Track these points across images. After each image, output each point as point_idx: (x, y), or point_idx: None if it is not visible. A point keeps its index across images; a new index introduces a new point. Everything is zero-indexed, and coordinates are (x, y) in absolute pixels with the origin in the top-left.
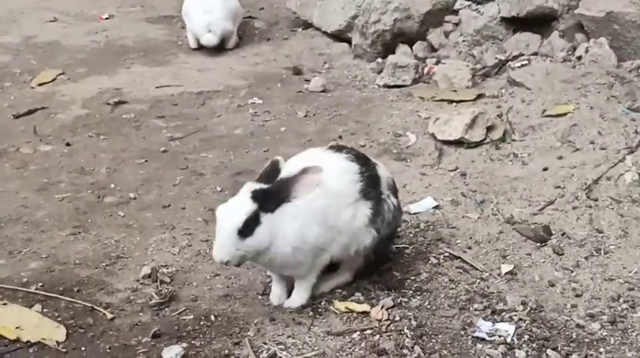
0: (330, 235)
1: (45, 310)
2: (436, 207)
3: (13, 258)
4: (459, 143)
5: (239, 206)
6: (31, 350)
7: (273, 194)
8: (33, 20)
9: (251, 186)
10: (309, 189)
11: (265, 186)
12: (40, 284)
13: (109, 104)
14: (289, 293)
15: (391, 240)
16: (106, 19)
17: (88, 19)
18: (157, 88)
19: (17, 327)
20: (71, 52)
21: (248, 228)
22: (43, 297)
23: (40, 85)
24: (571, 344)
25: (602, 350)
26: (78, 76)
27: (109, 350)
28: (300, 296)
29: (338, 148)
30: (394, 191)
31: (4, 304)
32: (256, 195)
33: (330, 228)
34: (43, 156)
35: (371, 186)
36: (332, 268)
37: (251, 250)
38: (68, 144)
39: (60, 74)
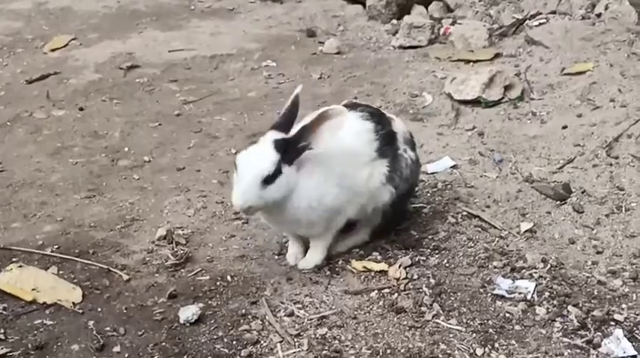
0: (346, 196)
1: (61, 272)
2: (454, 167)
3: (28, 221)
4: (476, 102)
5: (263, 154)
6: (47, 312)
7: (295, 143)
8: None
9: (273, 134)
10: (332, 135)
11: (287, 136)
12: (55, 246)
13: (121, 68)
14: (305, 253)
15: (410, 195)
16: None
17: None
18: (169, 52)
19: (33, 289)
20: (83, 17)
21: (271, 176)
22: (58, 259)
23: (53, 50)
24: (592, 301)
25: (624, 306)
26: (90, 41)
27: (125, 311)
28: (314, 256)
29: (352, 106)
30: (412, 145)
31: (20, 266)
32: (279, 145)
33: (346, 189)
34: (56, 120)
35: (387, 143)
36: (349, 227)
37: (271, 200)
38: (81, 109)
39: (72, 39)
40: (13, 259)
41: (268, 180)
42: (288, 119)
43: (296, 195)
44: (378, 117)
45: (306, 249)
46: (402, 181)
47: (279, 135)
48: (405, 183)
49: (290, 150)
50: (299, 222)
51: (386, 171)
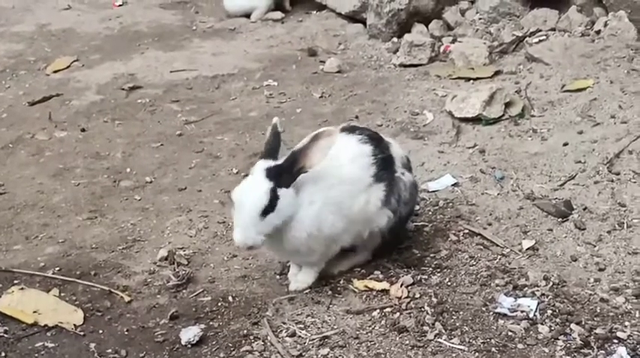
0: (343, 224)
1: (62, 294)
2: (455, 185)
3: (30, 243)
4: (476, 120)
5: (256, 186)
6: (48, 334)
7: (287, 169)
8: (47, 8)
9: (263, 164)
10: (324, 154)
11: (277, 163)
12: (57, 268)
13: (123, 89)
14: None
15: (408, 218)
16: (120, 5)
17: (101, 6)
18: (171, 72)
19: (35, 311)
20: (85, 39)
21: (269, 205)
22: (60, 281)
23: (55, 72)
24: (595, 319)
25: (627, 323)
26: (92, 63)
27: (126, 333)
28: (306, 277)
29: (351, 129)
30: (409, 168)
31: (22, 289)
32: (270, 173)
33: (343, 217)
34: (58, 142)
35: (384, 167)
36: (349, 248)
37: (273, 227)
38: (83, 130)
39: (74, 61)
40: (15, 281)
41: (267, 210)
42: (273, 147)
43: (296, 225)
44: (376, 141)
45: None
46: (400, 204)
47: (271, 163)
48: (405, 206)
49: (284, 175)
50: (299, 251)
51: (382, 195)
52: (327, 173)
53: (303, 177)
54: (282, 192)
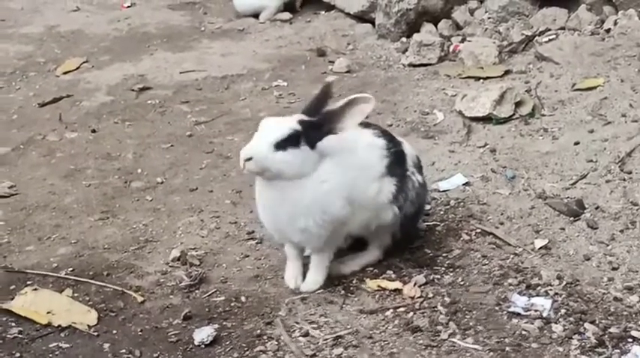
0: (352, 208)
1: (75, 294)
2: (466, 184)
3: (42, 243)
4: (487, 119)
5: (283, 121)
6: (62, 335)
7: (319, 126)
8: (55, 10)
9: (299, 116)
10: (358, 120)
11: (312, 119)
12: (69, 269)
13: (133, 90)
14: (304, 275)
15: (417, 218)
16: (128, 7)
17: (110, 8)
18: (180, 73)
19: (48, 312)
20: (94, 40)
21: (285, 142)
22: (73, 282)
23: (65, 73)
24: (609, 318)
25: None
26: (102, 64)
27: (140, 333)
28: (315, 277)
29: (365, 124)
30: (419, 169)
31: (35, 289)
32: (302, 122)
33: (353, 201)
34: (69, 143)
35: (397, 162)
36: (361, 247)
37: (276, 166)
38: (94, 131)
39: (84, 62)
40: (28, 282)
41: (280, 144)
42: (316, 106)
43: (300, 192)
44: (389, 136)
45: (304, 270)
46: (407, 203)
47: (306, 117)
48: (411, 205)
49: (313, 132)
50: (299, 228)
51: (393, 189)
52: (344, 156)
53: (328, 147)
54: (304, 147)
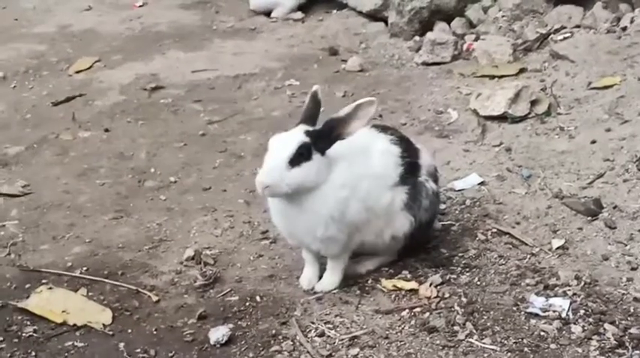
0: (366, 215)
1: (90, 293)
2: (481, 183)
3: (57, 242)
4: (502, 118)
5: (292, 137)
6: (77, 333)
7: (325, 133)
8: (67, 9)
9: (303, 127)
10: (363, 123)
11: (316, 128)
12: (84, 268)
13: (146, 90)
14: (320, 278)
15: (430, 226)
16: (140, 6)
17: (122, 7)
18: (192, 72)
19: (63, 311)
20: (107, 39)
21: (298, 157)
22: (87, 281)
23: (78, 72)
24: (629, 318)
25: None
26: (114, 63)
27: (155, 332)
28: (331, 278)
29: (383, 129)
30: (435, 178)
31: (50, 288)
32: (309, 133)
33: (368, 209)
34: (82, 142)
35: (410, 171)
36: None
37: (294, 183)
38: (107, 130)
39: (96, 61)
40: (43, 281)
41: (294, 160)
42: (312, 113)
43: (320, 201)
44: (406, 144)
45: (321, 273)
46: (421, 211)
47: (310, 127)
48: (425, 213)
49: (322, 140)
50: (316, 234)
51: (405, 198)
52: (359, 161)
53: (338, 149)
54: (316, 156)
